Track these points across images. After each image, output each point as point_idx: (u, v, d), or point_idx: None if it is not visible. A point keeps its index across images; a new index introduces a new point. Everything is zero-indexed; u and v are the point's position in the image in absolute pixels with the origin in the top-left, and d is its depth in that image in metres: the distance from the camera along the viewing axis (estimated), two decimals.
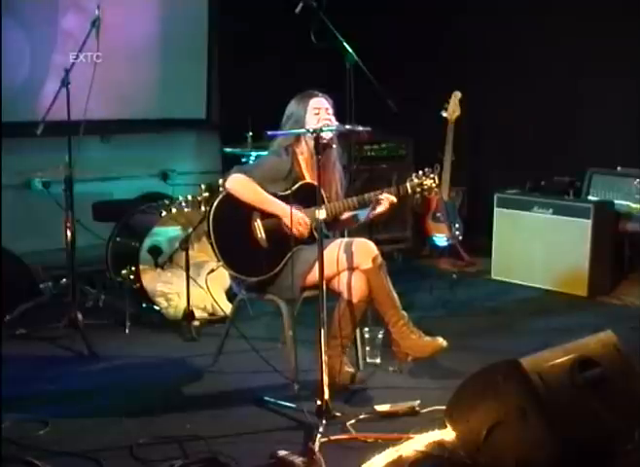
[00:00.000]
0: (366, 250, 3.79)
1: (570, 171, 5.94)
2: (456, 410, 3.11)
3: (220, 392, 3.89)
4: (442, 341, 3.79)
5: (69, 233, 4.60)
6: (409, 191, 3.86)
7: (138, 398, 3.80)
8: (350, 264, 3.76)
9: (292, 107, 3.96)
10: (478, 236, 6.32)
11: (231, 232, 3.86)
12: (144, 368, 4.24)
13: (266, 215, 3.85)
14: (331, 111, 3.94)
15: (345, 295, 3.76)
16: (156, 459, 3.13)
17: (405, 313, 3.82)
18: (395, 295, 3.82)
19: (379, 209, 3.84)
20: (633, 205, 5.58)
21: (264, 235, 3.85)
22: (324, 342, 3.42)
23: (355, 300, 3.76)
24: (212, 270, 4.53)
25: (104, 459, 3.11)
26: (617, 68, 5.88)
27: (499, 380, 2.92)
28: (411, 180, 3.87)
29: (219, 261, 3.89)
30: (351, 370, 3.84)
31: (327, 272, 3.58)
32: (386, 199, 3.82)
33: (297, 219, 3.79)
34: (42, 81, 5.90)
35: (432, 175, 3.86)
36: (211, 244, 3.86)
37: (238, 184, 3.83)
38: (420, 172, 3.88)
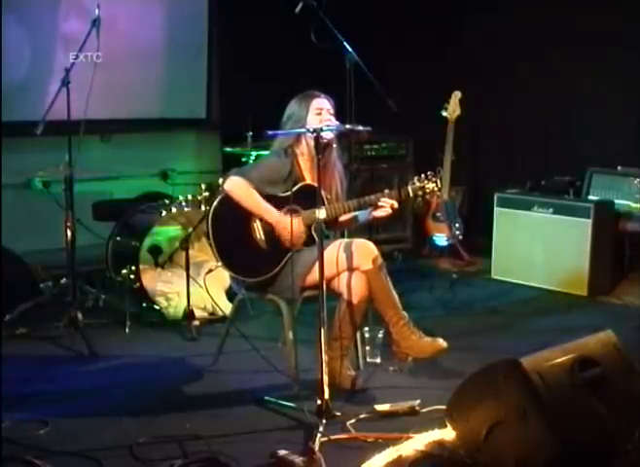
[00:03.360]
0: (366, 251, 3.79)
1: (570, 171, 5.94)
2: (456, 409, 3.11)
3: (220, 392, 3.89)
4: (442, 342, 3.79)
5: (69, 233, 4.60)
6: (411, 194, 3.85)
7: (138, 398, 3.80)
8: (350, 264, 3.76)
9: (293, 107, 3.95)
10: (478, 236, 6.32)
11: (231, 232, 3.86)
12: (144, 368, 4.24)
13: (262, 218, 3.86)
14: (332, 112, 3.94)
15: (345, 295, 3.76)
16: (156, 459, 3.13)
17: (405, 314, 3.82)
18: (395, 295, 3.82)
19: (380, 214, 3.85)
20: (633, 205, 5.58)
21: (263, 236, 3.85)
22: (324, 342, 3.42)
23: (355, 300, 3.75)
24: (210, 271, 4.53)
25: (104, 459, 3.11)
26: (616, 68, 5.88)
27: (499, 380, 2.92)
28: (413, 183, 3.85)
29: (218, 261, 3.89)
30: (352, 373, 3.84)
31: (327, 273, 3.57)
32: (387, 204, 3.81)
33: (288, 227, 3.78)
34: (42, 80, 5.89)
35: (434, 178, 3.84)
36: (210, 245, 3.87)
37: (236, 187, 3.82)
38: (422, 175, 3.86)
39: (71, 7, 6.01)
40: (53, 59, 5.93)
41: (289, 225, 3.76)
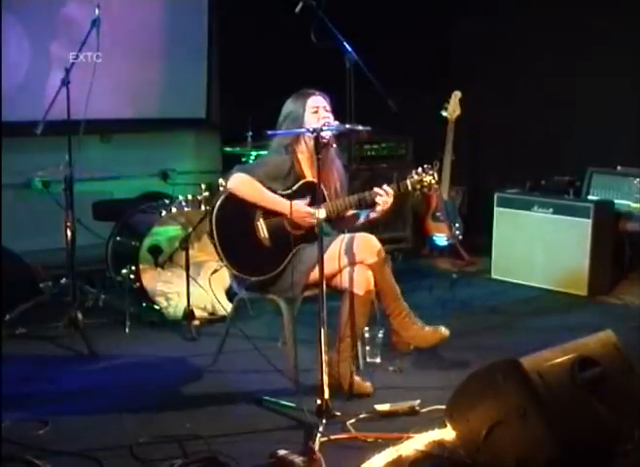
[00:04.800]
0: (369, 244, 3.79)
1: (570, 171, 5.95)
2: (456, 409, 3.11)
3: (220, 392, 3.89)
4: (444, 330, 3.80)
5: (69, 233, 4.60)
6: (410, 187, 3.87)
7: (138, 398, 3.80)
8: (353, 259, 3.75)
9: (289, 106, 3.96)
10: (478, 236, 6.33)
11: (234, 231, 3.86)
12: (144, 367, 4.24)
13: (268, 214, 3.85)
14: (329, 108, 3.95)
15: (350, 288, 3.72)
16: (156, 459, 3.13)
17: (406, 305, 3.84)
18: (397, 287, 3.84)
19: (379, 209, 3.86)
20: (633, 205, 5.59)
21: (266, 235, 3.85)
22: (324, 341, 3.41)
23: (361, 292, 3.72)
24: (215, 271, 4.52)
25: (104, 459, 3.12)
26: (616, 68, 5.88)
27: (499, 380, 2.92)
28: (411, 177, 3.88)
29: (222, 261, 3.89)
30: (368, 384, 3.79)
31: (330, 269, 3.60)
32: (385, 192, 3.81)
33: (301, 214, 3.79)
34: (41, 79, 5.89)
35: (431, 172, 3.87)
36: (214, 245, 3.85)
37: (241, 183, 3.83)
38: (420, 169, 3.89)
39: (69, 4, 6.00)
40: (52, 58, 5.93)
41: (302, 206, 3.78)
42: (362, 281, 3.73)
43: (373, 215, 3.92)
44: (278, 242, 3.83)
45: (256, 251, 3.84)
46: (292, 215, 3.79)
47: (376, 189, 3.84)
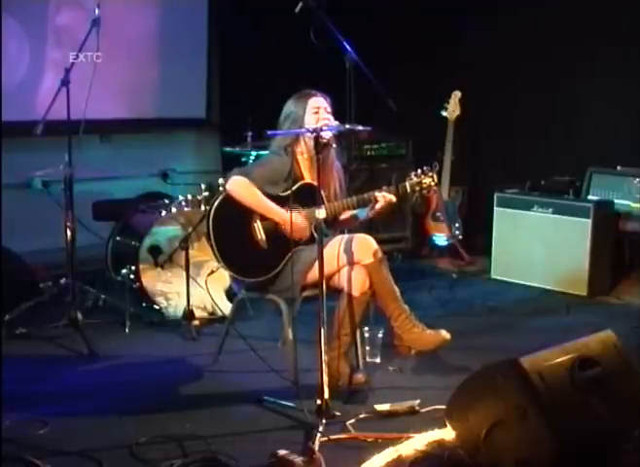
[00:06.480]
0: (366, 245, 3.79)
1: (570, 171, 5.95)
2: (456, 409, 3.11)
3: (220, 392, 3.89)
4: (445, 334, 3.78)
5: (69, 233, 4.60)
6: (409, 190, 3.85)
7: (138, 398, 3.80)
8: (351, 259, 3.75)
9: (290, 106, 3.95)
10: (477, 236, 6.33)
11: (231, 233, 3.86)
12: (144, 367, 4.24)
13: (266, 216, 3.86)
14: (329, 110, 3.95)
15: (346, 289, 3.74)
16: (156, 459, 3.12)
17: (406, 307, 3.82)
18: (396, 289, 3.82)
19: (378, 207, 3.84)
20: (633, 205, 5.58)
21: (264, 236, 3.85)
22: (324, 342, 3.42)
23: (357, 293, 3.73)
24: (212, 272, 4.52)
25: (104, 459, 3.11)
26: (617, 68, 5.88)
27: (499, 380, 2.92)
28: (410, 179, 3.86)
29: (219, 262, 3.89)
30: (356, 372, 3.80)
31: (328, 269, 3.58)
32: (384, 197, 3.81)
33: (296, 226, 3.78)
34: (38, 78, 5.89)
35: (430, 173, 3.85)
36: (211, 246, 3.86)
37: (239, 186, 3.82)
38: (419, 171, 3.87)
39: (65, 2, 6.00)
40: (48, 56, 5.94)
41: (295, 220, 3.75)
42: (358, 282, 3.74)
43: (371, 214, 3.91)
44: (275, 244, 3.83)
45: (253, 253, 3.83)
46: (287, 226, 3.77)
47: (375, 192, 3.83)
